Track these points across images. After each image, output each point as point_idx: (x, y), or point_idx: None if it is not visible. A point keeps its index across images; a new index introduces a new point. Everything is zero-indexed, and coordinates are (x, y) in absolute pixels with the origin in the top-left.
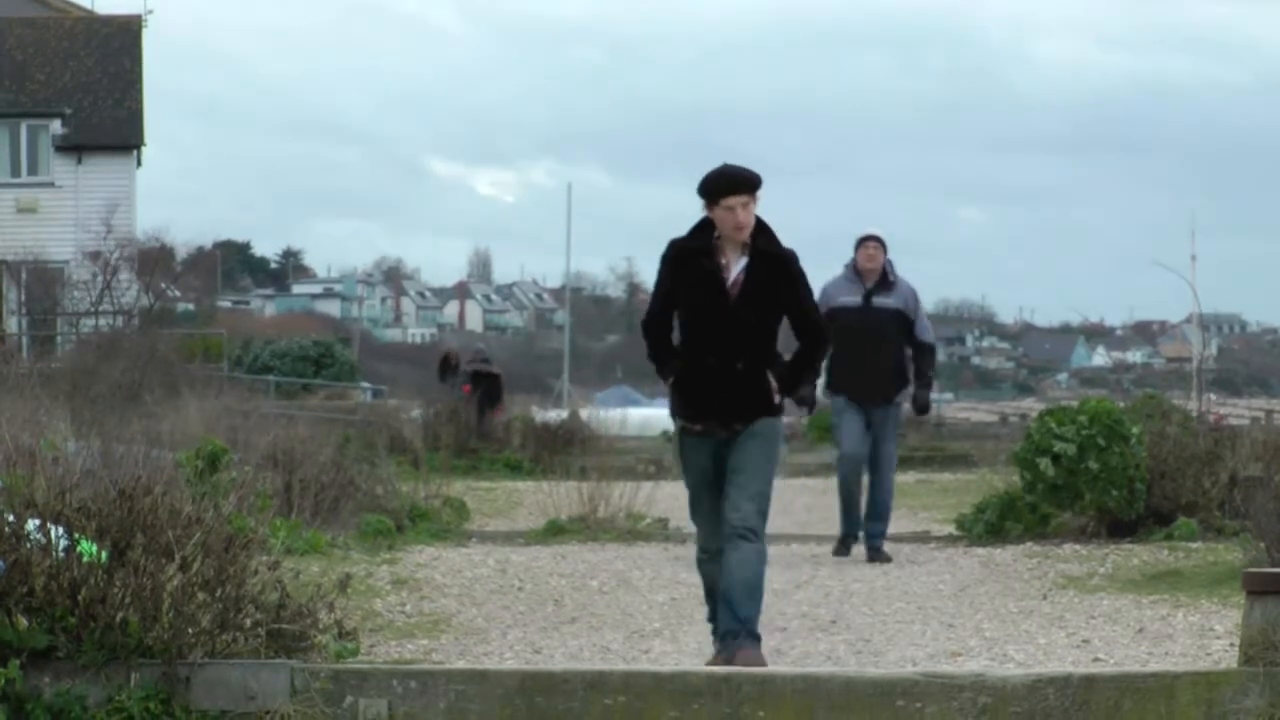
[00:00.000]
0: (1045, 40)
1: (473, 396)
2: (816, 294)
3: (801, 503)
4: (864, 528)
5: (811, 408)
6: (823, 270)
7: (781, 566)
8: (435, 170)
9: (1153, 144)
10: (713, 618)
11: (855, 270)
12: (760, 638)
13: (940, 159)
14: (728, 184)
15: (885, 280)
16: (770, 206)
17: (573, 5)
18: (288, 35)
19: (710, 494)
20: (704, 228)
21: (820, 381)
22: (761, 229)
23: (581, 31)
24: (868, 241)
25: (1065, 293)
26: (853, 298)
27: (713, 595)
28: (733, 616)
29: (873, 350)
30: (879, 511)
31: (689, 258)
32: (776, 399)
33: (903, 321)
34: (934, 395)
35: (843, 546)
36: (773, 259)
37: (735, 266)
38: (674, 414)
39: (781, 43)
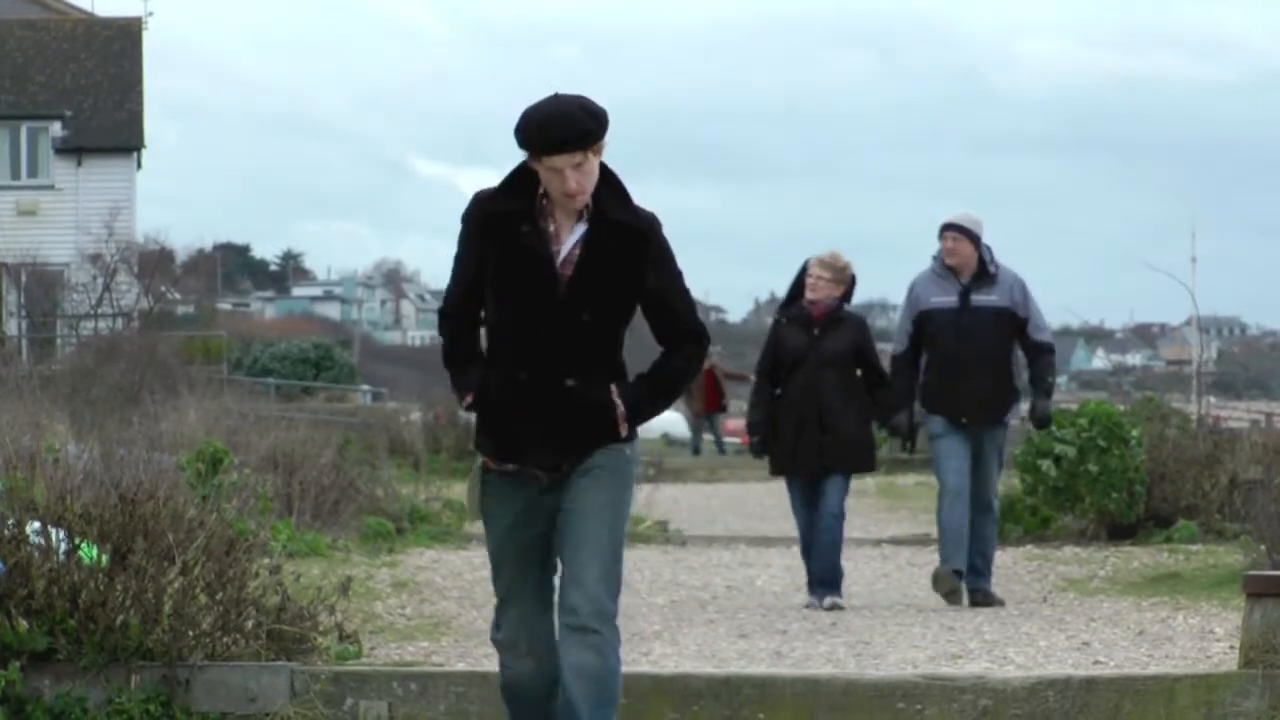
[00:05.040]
0: (1028, 40)
1: None
2: (903, 294)
3: None
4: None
5: (906, 439)
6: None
7: (781, 569)
8: (419, 171)
9: (1141, 144)
10: None
11: (944, 264)
12: None
13: (925, 159)
14: (551, 138)
15: (984, 273)
16: (755, 207)
17: (552, 4)
18: (265, 35)
19: (520, 563)
20: (523, 178)
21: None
22: (608, 184)
23: (561, 30)
24: (946, 231)
25: (1063, 295)
26: (947, 297)
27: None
28: None
29: (976, 359)
30: (981, 549)
31: (500, 222)
32: (623, 429)
33: (1010, 321)
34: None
35: (953, 594)
36: (624, 231)
37: (568, 237)
38: (476, 445)
39: (764, 42)
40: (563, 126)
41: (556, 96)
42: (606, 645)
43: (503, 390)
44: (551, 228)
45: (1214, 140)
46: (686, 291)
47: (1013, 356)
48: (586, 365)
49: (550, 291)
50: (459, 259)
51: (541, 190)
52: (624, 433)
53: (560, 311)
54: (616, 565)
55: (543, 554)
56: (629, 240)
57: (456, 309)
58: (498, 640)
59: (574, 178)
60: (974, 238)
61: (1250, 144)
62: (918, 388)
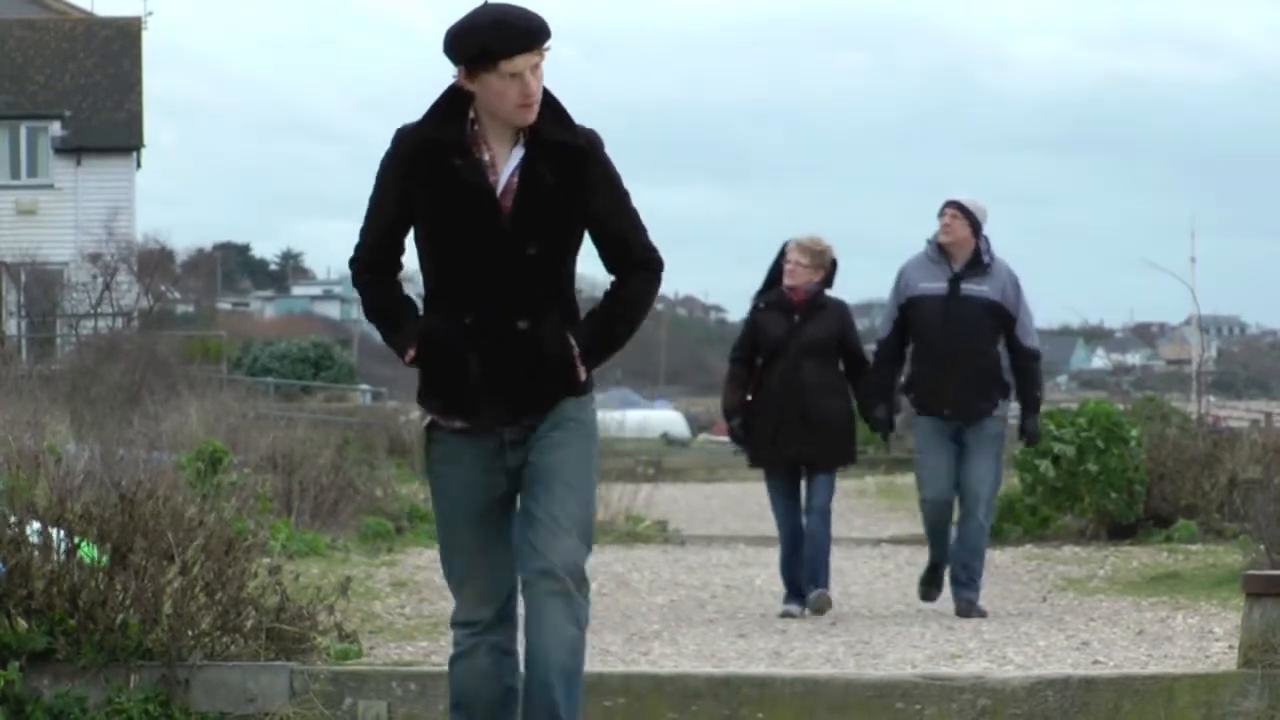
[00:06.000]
0: (1025, 39)
1: None
2: (893, 277)
3: None
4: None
5: (888, 430)
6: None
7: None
8: None
9: (1139, 143)
10: None
11: (938, 248)
12: None
13: (921, 159)
14: (514, 36)
15: (978, 262)
16: (754, 207)
17: (550, 4)
18: (265, 36)
19: (478, 533)
20: (452, 108)
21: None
22: (547, 103)
23: (559, 30)
24: (947, 208)
25: (1063, 295)
26: (936, 283)
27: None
28: None
29: (963, 350)
30: (968, 552)
31: (431, 155)
32: (581, 373)
33: (999, 316)
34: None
35: (932, 575)
36: (566, 151)
37: (505, 165)
38: (421, 402)
39: (760, 42)
40: (521, 20)
41: (488, 3)
42: (583, 613)
43: (449, 337)
44: (487, 156)
45: (1214, 140)
46: (634, 213)
47: (1000, 353)
48: (537, 305)
49: (492, 225)
50: (376, 202)
51: (472, 117)
52: (582, 377)
53: (504, 246)
54: (590, 524)
55: (503, 523)
56: (569, 162)
57: (377, 255)
58: (457, 620)
59: (534, 81)
60: (974, 222)
61: (1250, 144)
62: (905, 378)
